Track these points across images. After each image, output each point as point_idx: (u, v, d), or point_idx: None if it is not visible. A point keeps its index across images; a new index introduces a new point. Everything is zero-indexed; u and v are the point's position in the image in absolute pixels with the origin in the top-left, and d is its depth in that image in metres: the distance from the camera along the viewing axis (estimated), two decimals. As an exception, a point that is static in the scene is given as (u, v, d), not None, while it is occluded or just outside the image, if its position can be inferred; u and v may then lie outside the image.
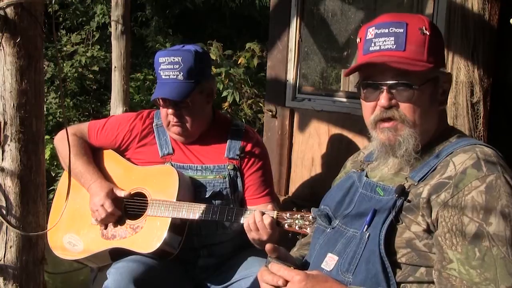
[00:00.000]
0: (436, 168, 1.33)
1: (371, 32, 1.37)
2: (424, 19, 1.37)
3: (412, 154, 1.35)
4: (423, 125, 1.36)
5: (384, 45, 1.34)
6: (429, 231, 1.29)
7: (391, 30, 1.34)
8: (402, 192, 1.32)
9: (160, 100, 2.18)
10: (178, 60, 2.12)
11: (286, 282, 1.30)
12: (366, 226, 1.34)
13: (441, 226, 1.26)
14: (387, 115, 1.36)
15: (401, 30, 1.33)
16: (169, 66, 2.13)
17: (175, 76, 2.13)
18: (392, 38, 1.34)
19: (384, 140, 1.38)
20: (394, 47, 1.33)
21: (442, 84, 1.39)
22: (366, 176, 1.47)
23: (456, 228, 1.23)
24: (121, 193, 2.17)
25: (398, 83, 1.33)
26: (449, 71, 2.29)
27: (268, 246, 1.40)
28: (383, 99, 1.35)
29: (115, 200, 2.15)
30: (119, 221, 2.17)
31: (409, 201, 1.31)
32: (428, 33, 1.34)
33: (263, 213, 1.97)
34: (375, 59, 1.35)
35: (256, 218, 1.95)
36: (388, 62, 1.32)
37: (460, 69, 2.31)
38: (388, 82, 1.34)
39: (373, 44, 1.36)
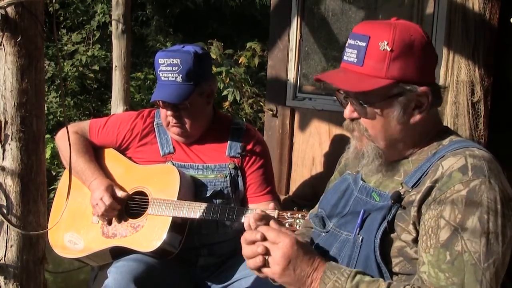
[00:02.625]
0: (428, 172, 1.31)
1: (348, 40, 1.38)
2: (390, 34, 1.29)
3: (374, 167, 1.37)
4: (390, 139, 1.35)
5: (350, 57, 1.35)
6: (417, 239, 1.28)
7: (356, 42, 1.33)
8: (398, 198, 1.30)
9: (160, 101, 2.18)
10: (177, 62, 2.11)
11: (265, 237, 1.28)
12: (358, 229, 1.34)
13: (421, 229, 1.25)
14: (352, 127, 1.39)
15: (363, 44, 1.31)
16: (168, 68, 2.13)
17: (173, 78, 2.12)
18: (355, 52, 1.33)
19: (354, 147, 1.42)
20: (355, 61, 1.33)
21: (415, 98, 1.32)
22: (362, 179, 1.46)
23: (432, 231, 1.22)
24: (120, 193, 2.17)
25: (355, 99, 1.34)
26: (443, 74, 2.30)
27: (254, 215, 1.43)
28: (347, 110, 1.38)
29: (115, 195, 2.15)
30: (120, 219, 2.18)
31: (404, 208, 1.30)
32: (388, 49, 1.28)
33: (263, 212, 1.96)
34: (328, 77, 1.39)
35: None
36: (335, 82, 1.34)
37: (460, 69, 2.31)
38: (348, 97, 1.37)
39: (345, 53, 1.37)
